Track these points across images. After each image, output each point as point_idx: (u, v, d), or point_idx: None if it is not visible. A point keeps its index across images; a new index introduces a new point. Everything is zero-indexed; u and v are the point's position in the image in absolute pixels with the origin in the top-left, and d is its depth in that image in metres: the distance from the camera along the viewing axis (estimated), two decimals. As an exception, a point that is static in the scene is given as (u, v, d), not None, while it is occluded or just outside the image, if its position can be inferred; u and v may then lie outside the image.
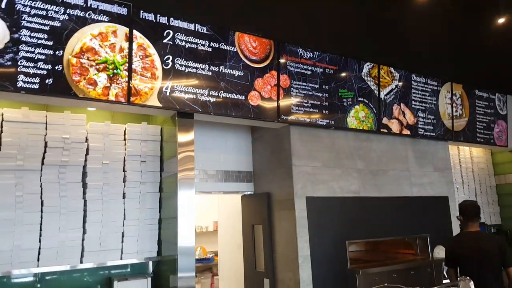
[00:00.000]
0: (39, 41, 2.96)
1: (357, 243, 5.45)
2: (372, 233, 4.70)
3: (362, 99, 4.70)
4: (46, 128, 3.51)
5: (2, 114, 3.37)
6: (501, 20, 3.58)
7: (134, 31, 3.34)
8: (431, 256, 5.03)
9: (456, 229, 5.41)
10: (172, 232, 3.63)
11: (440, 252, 5.11)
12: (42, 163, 3.45)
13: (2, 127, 3.35)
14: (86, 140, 3.68)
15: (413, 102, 5.20)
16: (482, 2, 3.70)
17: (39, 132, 3.47)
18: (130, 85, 3.28)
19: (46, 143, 3.49)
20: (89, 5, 3.18)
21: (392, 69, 5.01)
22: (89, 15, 3.17)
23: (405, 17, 4.05)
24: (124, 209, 3.77)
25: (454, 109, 5.61)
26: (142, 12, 3.40)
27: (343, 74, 4.61)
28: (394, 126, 5.01)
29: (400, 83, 5.09)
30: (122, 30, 3.29)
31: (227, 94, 3.81)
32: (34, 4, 2.97)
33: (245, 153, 4.91)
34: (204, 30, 3.72)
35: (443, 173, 5.54)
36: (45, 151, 3.47)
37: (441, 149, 5.60)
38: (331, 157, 4.55)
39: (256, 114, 3.98)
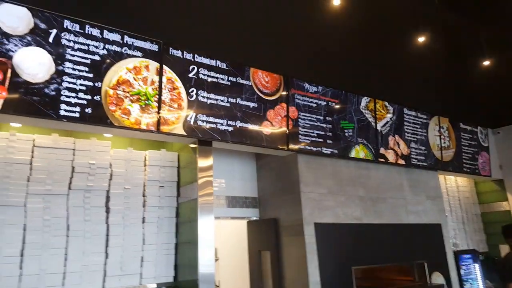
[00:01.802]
0: (81, 73, 3.22)
1: (356, 270, 5.63)
2: (375, 259, 4.92)
3: (362, 140, 5.09)
4: (73, 154, 3.68)
5: (34, 140, 3.53)
6: (486, 63, 4.11)
7: (164, 66, 3.65)
8: (430, 283, 5.26)
9: (450, 255, 5.72)
10: (189, 257, 3.76)
11: (437, 278, 5.37)
12: (69, 188, 3.59)
13: (33, 152, 3.51)
14: (110, 165, 3.86)
15: (406, 134, 5.65)
16: (469, 47, 4.25)
17: (67, 158, 3.63)
18: (160, 115, 3.54)
19: (73, 168, 3.65)
20: (125, 41, 3.49)
21: (386, 103, 5.48)
22: (125, 50, 3.48)
23: (399, 58, 4.55)
24: (143, 234, 3.89)
25: (442, 141, 6.10)
26: (171, 49, 3.74)
27: (344, 107, 5.03)
28: (390, 156, 5.41)
29: (394, 116, 5.56)
30: (154, 65, 3.60)
31: (243, 123, 4.12)
32: (77, 39, 3.26)
33: (250, 179, 5.15)
34: (224, 65, 4.08)
35: (434, 201, 5.91)
36: (72, 176, 3.62)
37: (432, 178, 6.02)
38: (335, 184, 4.85)
39: (268, 142, 4.29)
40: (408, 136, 5.67)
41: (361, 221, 4.93)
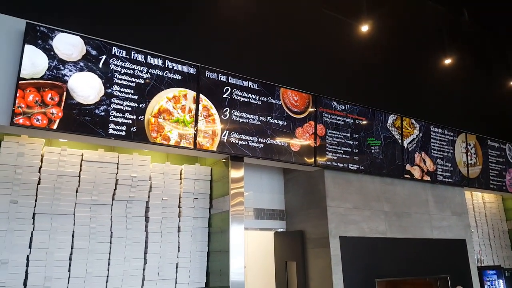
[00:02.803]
0: (127, 95, 3.53)
1: (380, 282, 5.73)
2: (398, 273, 5.03)
3: (385, 151, 5.21)
4: (117, 168, 4.00)
5: (82, 155, 3.88)
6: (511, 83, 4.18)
7: (201, 95, 3.92)
8: (453, 297, 5.31)
9: (474, 271, 5.73)
10: (220, 265, 4.01)
11: (460, 292, 5.39)
12: (113, 199, 3.91)
13: (81, 166, 3.85)
14: (150, 178, 4.16)
15: (432, 151, 5.71)
16: (495, 66, 4.32)
17: (111, 171, 3.96)
18: (196, 141, 3.82)
19: (117, 180, 3.97)
20: (166, 65, 3.79)
21: (413, 121, 5.57)
22: (166, 74, 3.77)
23: (427, 76, 4.64)
24: (179, 242, 4.17)
25: (469, 158, 6.11)
26: (207, 72, 4.01)
27: (371, 124, 5.16)
28: (416, 173, 5.48)
29: (421, 133, 5.64)
30: (191, 94, 3.88)
31: (273, 141, 4.34)
32: (124, 64, 3.58)
33: (278, 192, 5.36)
34: (255, 86, 4.32)
35: (460, 217, 5.93)
36: (115, 188, 3.95)
37: (458, 195, 6.04)
38: (360, 199, 4.99)
39: (296, 158, 4.48)
40: (434, 153, 5.73)
41: (386, 235, 5.04)
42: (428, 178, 5.61)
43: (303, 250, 4.85)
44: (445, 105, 5.37)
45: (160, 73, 3.75)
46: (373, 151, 5.10)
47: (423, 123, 5.67)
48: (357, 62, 4.27)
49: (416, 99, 5.16)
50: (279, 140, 4.39)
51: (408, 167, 5.39)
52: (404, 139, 5.41)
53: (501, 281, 6.19)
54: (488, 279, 5.99)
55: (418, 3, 3.34)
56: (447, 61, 3.78)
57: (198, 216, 4.35)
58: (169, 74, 3.79)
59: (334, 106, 4.89)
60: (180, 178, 4.37)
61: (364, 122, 5.12)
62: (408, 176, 5.38)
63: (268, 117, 4.36)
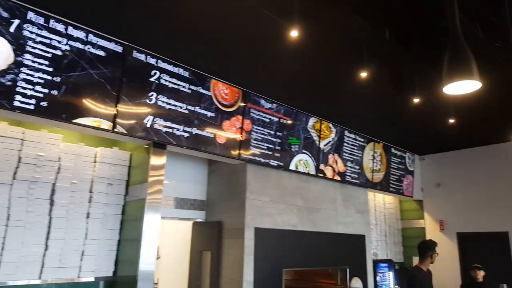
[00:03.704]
0: (40, 66, 3.20)
1: (287, 272, 6.11)
2: (304, 263, 5.41)
3: (305, 156, 5.52)
4: (21, 144, 3.61)
5: (-21, 126, 3.42)
6: (416, 100, 4.74)
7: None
8: (349, 286, 5.88)
9: (370, 264, 6.41)
10: (131, 254, 3.89)
11: (356, 282, 6.01)
12: (13, 178, 3.53)
13: (-23, 138, 3.40)
14: (59, 159, 3.84)
15: (344, 154, 6.21)
16: (404, 85, 4.86)
17: (14, 147, 3.56)
18: (115, 123, 3.63)
19: (19, 158, 3.59)
20: (89, 39, 3.51)
21: (330, 125, 5.98)
22: (88, 48, 3.49)
23: (346, 85, 4.99)
24: (87, 229, 3.93)
25: (375, 164, 6.78)
26: (135, 52, 3.82)
27: (294, 125, 5.42)
28: (329, 172, 5.92)
29: (336, 137, 6.09)
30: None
31: (199, 131, 4.31)
32: (40, 32, 3.23)
33: (201, 183, 5.35)
34: (187, 74, 4.24)
35: (362, 215, 6.57)
36: (17, 166, 3.57)
37: (362, 195, 6.68)
38: (277, 193, 5.23)
39: (221, 151, 4.53)
40: (345, 156, 6.24)
41: (297, 228, 5.38)
42: (339, 178, 6.10)
43: (219, 240, 4.94)
44: (360, 114, 5.86)
45: (82, 46, 3.46)
46: (293, 149, 5.37)
47: (339, 127, 6.13)
48: (287, 64, 4.42)
49: (335, 105, 5.55)
50: (206, 131, 4.38)
51: (322, 166, 5.79)
52: (321, 140, 5.80)
53: (391, 273, 7.02)
54: (380, 271, 6.76)
55: (346, 16, 3.57)
56: (364, 74, 4.13)
57: (112, 203, 4.15)
58: (92, 49, 3.52)
59: (262, 104, 5.03)
60: (95, 162, 4.12)
61: (288, 122, 5.36)
62: (322, 175, 5.78)
63: (197, 107, 4.31)
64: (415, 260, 7.79)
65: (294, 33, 3.38)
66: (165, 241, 5.63)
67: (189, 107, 4.24)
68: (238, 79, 4.63)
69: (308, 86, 4.93)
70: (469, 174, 7.37)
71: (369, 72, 4.46)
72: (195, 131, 4.28)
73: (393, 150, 7.27)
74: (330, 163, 5.96)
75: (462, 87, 1.97)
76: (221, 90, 4.56)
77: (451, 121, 5.83)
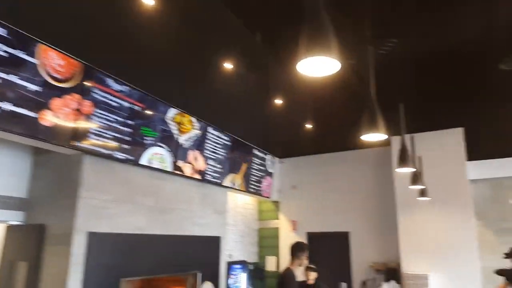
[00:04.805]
0: None
1: (127, 282, 5.43)
2: (149, 270, 4.83)
3: (160, 150, 4.97)
4: None
5: None
6: (278, 101, 4.75)
7: None
8: (200, 292, 5.56)
9: (223, 265, 6.23)
10: None
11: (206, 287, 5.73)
12: None
13: None
14: None
15: (206, 151, 5.89)
16: (271, 87, 4.83)
17: None
18: None
19: None
20: None
21: (194, 119, 5.59)
22: None
23: (211, 78, 4.68)
24: None
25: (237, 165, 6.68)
26: None
27: (150, 114, 4.82)
28: (187, 169, 5.50)
29: (199, 132, 5.72)
30: None
31: (15, 108, 3.34)
32: None
33: (20, 177, 4.29)
34: (3, 32, 3.23)
35: (220, 215, 6.37)
36: None
37: (222, 195, 6.48)
38: (123, 191, 4.54)
39: (48, 136, 3.62)
40: (207, 153, 5.93)
41: (144, 231, 4.77)
42: (198, 177, 5.74)
43: (39, 248, 3.97)
44: (225, 112, 5.64)
45: None
46: (146, 141, 4.77)
47: (202, 123, 5.79)
48: (147, 44, 3.84)
49: (199, 98, 5.19)
50: (26, 109, 3.42)
51: (180, 163, 5.34)
52: (181, 135, 5.34)
53: (245, 274, 7.00)
54: (233, 273, 6.66)
55: (217, 8, 3.23)
56: (230, 66, 3.86)
57: None
58: None
59: (110, 84, 4.28)
60: None
61: (143, 110, 4.73)
62: (179, 172, 5.33)
63: (14, 76, 3.33)
64: (269, 260, 8.11)
65: (150, 1, 2.85)
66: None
67: (2, 74, 3.24)
68: (78, 49, 3.80)
69: (172, 73, 4.42)
70: (320, 178, 7.96)
71: (235, 67, 4.24)
72: (8, 106, 3.29)
73: (254, 151, 7.32)
74: (190, 160, 5.55)
75: (319, 66, 1.67)
76: (53, 60, 3.66)
77: (309, 126, 6.12)
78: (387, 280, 6.58)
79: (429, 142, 6.42)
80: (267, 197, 7.83)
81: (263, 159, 7.65)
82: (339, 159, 7.89)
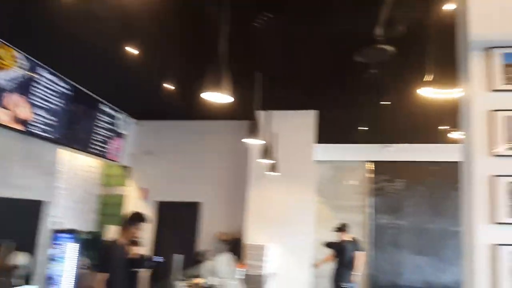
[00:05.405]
0: None
1: None
2: None
3: None
4: None
5: None
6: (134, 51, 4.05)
7: None
8: (8, 263, 4.56)
9: (45, 234, 5.30)
10: None
11: (18, 258, 4.75)
12: None
13: None
14: None
15: (34, 98, 4.74)
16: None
17: None
18: None
19: None
20: None
21: (18, 54, 4.38)
22: None
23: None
24: None
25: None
26: None
27: None
28: (4, 117, 4.32)
29: (25, 73, 4.53)
30: None
31: None
32: None
33: None
34: None
35: (47, 176, 5.33)
36: None
37: (51, 153, 5.40)
38: None
39: None
40: (36, 101, 4.79)
41: None
42: (21, 128, 4.60)
43: None
44: (69, 53, 4.56)
45: None
46: None
47: (32, 61, 4.61)
48: None
49: (36, 32, 4.03)
50: None
51: (-8, 107, 4.14)
52: (-4, 71, 4.12)
53: (74, 244, 6.08)
54: (59, 243, 5.73)
55: None
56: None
57: None
58: None
59: None
60: None
61: None
62: (-12, 119, 4.13)
63: None
64: (110, 229, 7.30)
65: None
66: None
67: None
68: None
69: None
70: (180, 146, 7.52)
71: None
72: None
73: (101, 106, 6.32)
74: (7, 105, 4.36)
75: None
76: None
77: (170, 87, 5.52)
78: (232, 250, 6.66)
79: (285, 120, 6.63)
80: (114, 161, 6.99)
81: (112, 117, 6.71)
82: (201, 128, 7.56)
